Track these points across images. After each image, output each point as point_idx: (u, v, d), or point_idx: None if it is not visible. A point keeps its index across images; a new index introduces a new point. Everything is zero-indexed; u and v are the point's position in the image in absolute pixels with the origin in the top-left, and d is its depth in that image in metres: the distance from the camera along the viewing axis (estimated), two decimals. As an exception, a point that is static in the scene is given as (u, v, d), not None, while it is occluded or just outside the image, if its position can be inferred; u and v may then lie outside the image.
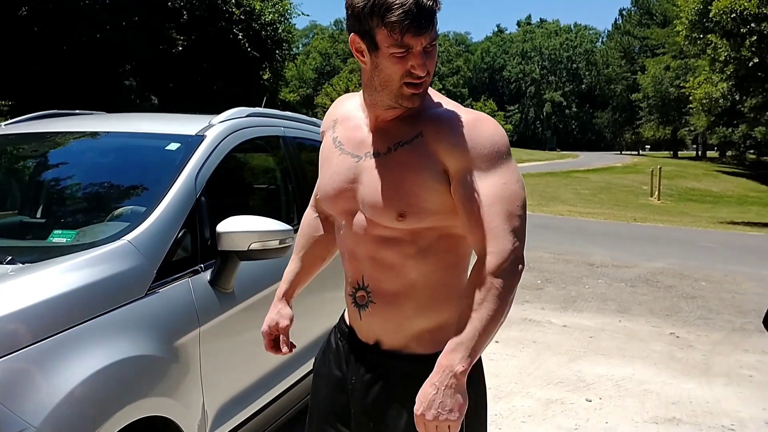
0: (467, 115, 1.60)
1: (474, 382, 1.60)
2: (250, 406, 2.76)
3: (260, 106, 3.74)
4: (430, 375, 1.52)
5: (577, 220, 17.48)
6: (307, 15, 47.22)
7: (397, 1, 1.47)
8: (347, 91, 62.16)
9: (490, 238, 1.51)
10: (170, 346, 2.32)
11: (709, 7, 17.37)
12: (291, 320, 1.92)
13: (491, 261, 1.50)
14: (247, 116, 3.27)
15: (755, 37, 16.80)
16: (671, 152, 70.39)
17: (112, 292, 2.19)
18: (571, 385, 4.84)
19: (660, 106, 62.50)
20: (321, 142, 1.85)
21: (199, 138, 2.89)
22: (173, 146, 2.88)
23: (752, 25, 16.75)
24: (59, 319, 2.00)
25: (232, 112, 3.19)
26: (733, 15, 16.85)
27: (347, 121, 1.75)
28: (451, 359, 1.49)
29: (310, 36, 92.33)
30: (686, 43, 20.37)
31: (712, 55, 18.47)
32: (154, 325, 2.29)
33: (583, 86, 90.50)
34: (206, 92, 24.06)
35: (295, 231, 2.91)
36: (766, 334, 6.33)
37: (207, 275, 2.58)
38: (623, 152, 75.11)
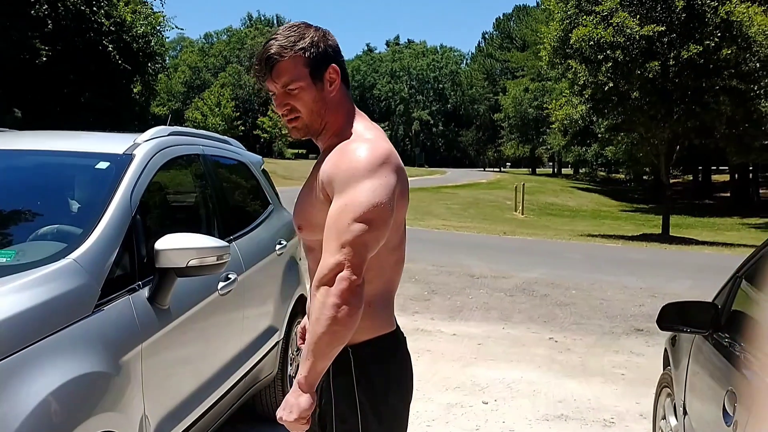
0: (345, 144, 1.77)
1: (346, 390, 1.77)
2: (189, 416, 2.82)
3: (166, 124, 3.78)
4: None
5: (452, 233, 18.18)
6: (182, 29, 46.19)
7: (256, 55, 1.81)
8: (219, 105, 60.69)
9: (323, 256, 1.66)
10: (116, 363, 2.36)
11: (570, 35, 18.73)
12: None
13: (315, 277, 1.66)
14: (169, 135, 3.32)
15: (610, 64, 18.25)
16: (530, 169, 74.20)
17: (63, 311, 2.21)
18: (467, 389, 5.16)
19: (520, 125, 65.68)
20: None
21: (128, 157, 2.93)
22: (103, 165, 2.90)
23: (608, 52, 18.20)
24: (13, 340, 2.00)
25: (155, 131, 3.23)
26: (591, 43, 18.26)
27: None
28: (299, 371, 1.69)
29: (178, 49, 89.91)
30: (548, 67, 21.79)
31: (572, 79, 19.88)
32: (102, 342, 2.32)
33: (449, 106, 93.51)
34: (72, 104, 22.94)
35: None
36: (632, 336, 7.00)
37: (145, 292, 2.63)
38: (486, 169, 78.47)
